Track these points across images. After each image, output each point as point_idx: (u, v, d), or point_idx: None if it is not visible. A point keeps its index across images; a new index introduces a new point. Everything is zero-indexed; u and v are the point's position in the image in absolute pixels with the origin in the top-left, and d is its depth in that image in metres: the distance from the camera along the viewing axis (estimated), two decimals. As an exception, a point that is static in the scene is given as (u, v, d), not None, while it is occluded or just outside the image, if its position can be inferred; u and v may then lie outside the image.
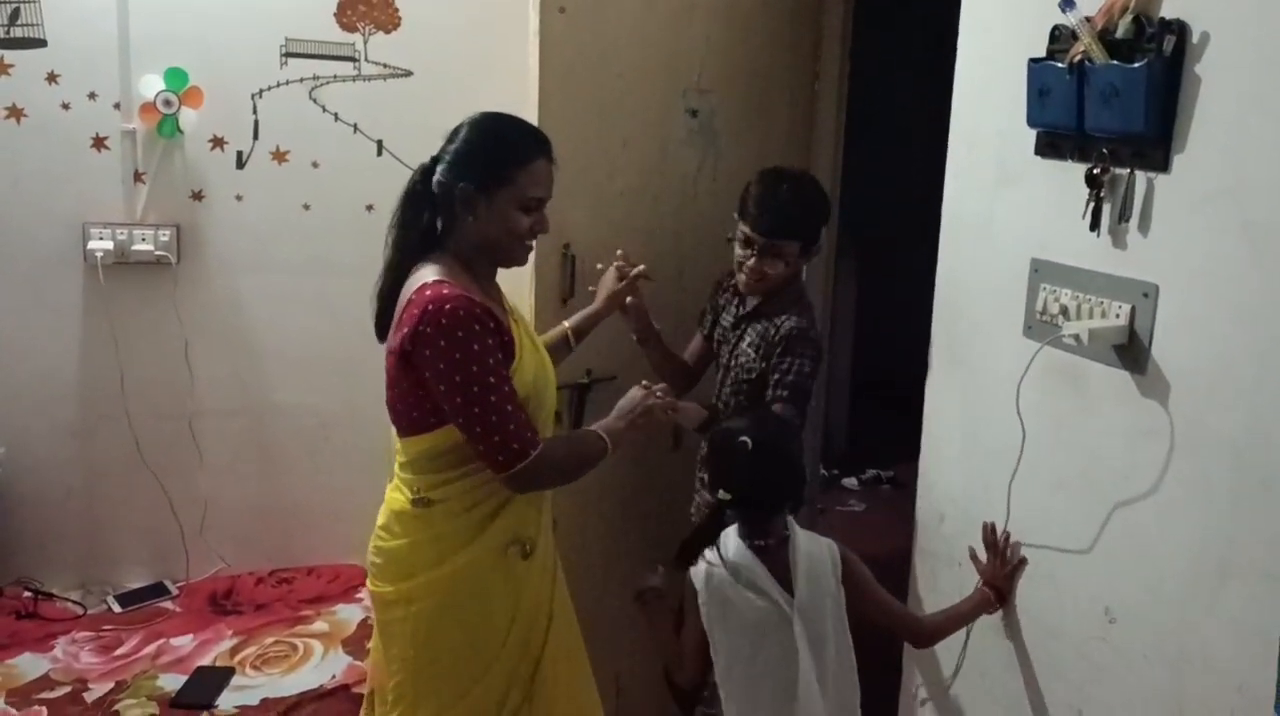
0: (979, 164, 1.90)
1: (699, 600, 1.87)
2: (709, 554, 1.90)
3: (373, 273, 2.83)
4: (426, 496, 1.88)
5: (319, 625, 2.62)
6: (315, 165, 2.79)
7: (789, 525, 1.92)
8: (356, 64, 2.76)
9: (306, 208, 2.80)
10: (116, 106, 2.60)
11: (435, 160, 1.92)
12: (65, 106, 2.57)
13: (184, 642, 2.50)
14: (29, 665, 2.37)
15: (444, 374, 1.75)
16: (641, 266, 2.33)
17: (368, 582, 2.01)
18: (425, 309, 1.75)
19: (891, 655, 2.22)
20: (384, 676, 1.97)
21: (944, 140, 2.01)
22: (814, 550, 1.91)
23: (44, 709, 2.21)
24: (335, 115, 2.77)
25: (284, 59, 2.70)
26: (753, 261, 2.30)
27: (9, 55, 2.51)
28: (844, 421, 5.41)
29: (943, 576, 2.07)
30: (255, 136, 2.72)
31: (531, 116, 2.46)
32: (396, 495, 1.94)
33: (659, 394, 2.02)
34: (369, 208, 2.82)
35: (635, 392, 2.03)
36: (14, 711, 2.19)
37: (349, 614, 2.67)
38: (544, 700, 1.98)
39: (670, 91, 2.67)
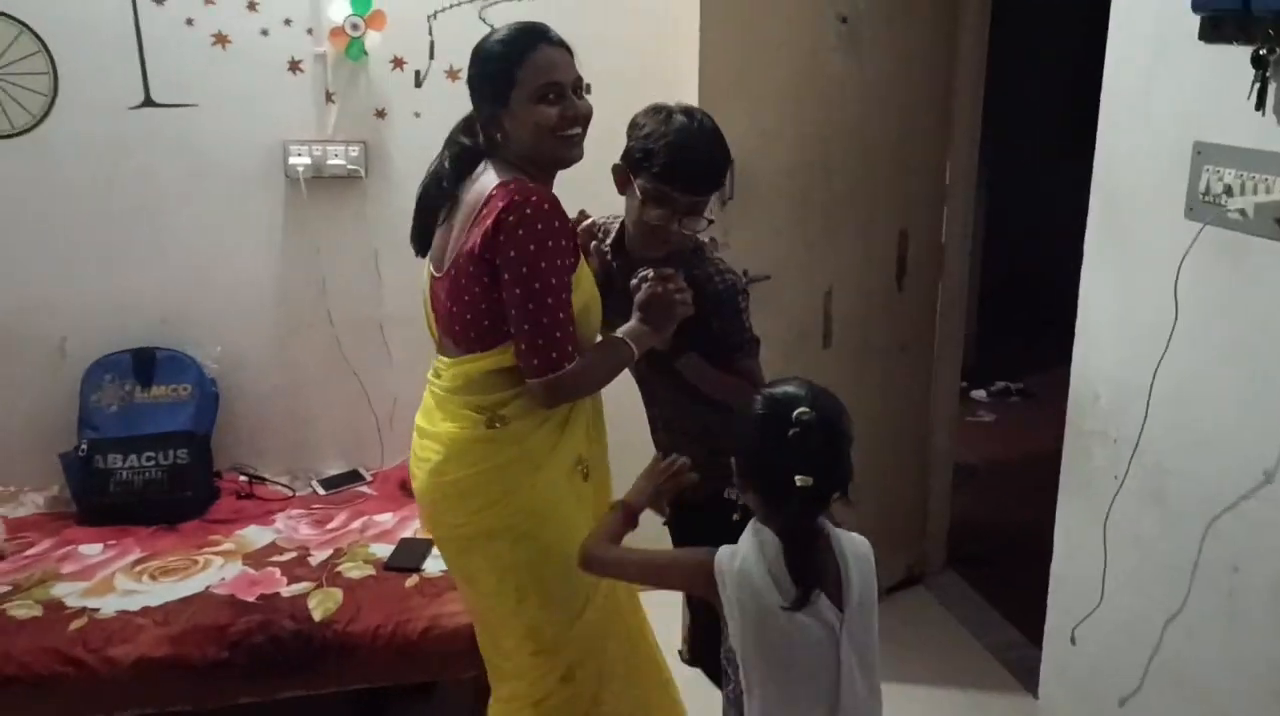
0: (1139, 50, 1.97)
1: (729, 601, 1.55)
2: (744, 550, 1.55)
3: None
4: (502, 414, 1.83)
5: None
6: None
7: (823, 523, 1.59)
8: (521, -18, 2.93)
9: (478, 123, 2.99)
10: (309, 32, 2.82)
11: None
12: (264, 33, 2.80)
13: (385, 519, 2.77)
14: (256, 535, 2.68)
15: (515, 263, 1.72)
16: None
17: (429, 530, 2.05)
18: (511, 201, 1.72)
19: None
20: (494, 623, 2.01)
21: (1082, 41, 2.05)
22: (859, 551, 1.62)
23: (277, 569, 2.51)
24: (502, 34, 2.94)
25: (455, -20, 2.89)
26: (676, 223, 2.00)
27: (215, -16, 2.75)
28: (972, 332, 5.48)
29: (1097, 453, 2.18)
30: (431, 56, 2.92)
31: (692, 20, 2.60)
32: (454, 426, 1.87)
33: (676, 285, 1.92)
34: (534, 121, 3.00)
35: (656, 289, 1.91)
36: (252, 570, 2.50)
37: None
38: (622, 623, 2.05)
39: (820, -1, 2.77)
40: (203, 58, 2.78)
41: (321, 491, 2.95)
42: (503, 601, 1.95)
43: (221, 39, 2.78)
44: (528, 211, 1.72)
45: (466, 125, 1.94)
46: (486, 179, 1.82)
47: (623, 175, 2.04)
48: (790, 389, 1.56)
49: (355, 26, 2.79)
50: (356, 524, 2.76)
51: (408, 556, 2.55)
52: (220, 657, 2.23)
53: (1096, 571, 2.14)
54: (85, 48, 2.72)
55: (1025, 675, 2.85)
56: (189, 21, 2.75)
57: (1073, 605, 2.25)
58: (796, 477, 1.46)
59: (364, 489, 2.98)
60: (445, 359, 1.91)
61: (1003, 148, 3.24)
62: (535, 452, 1.87)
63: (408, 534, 2.69)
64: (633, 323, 1.92)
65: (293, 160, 2.85)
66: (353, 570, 2.50)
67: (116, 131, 2.76)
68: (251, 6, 2.77)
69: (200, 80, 2.79)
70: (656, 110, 2.05)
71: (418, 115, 2.94)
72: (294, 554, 2.58)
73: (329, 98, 2.87)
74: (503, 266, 1.74)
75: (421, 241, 1.98)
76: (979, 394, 5.21)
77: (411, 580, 2.46)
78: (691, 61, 2.62)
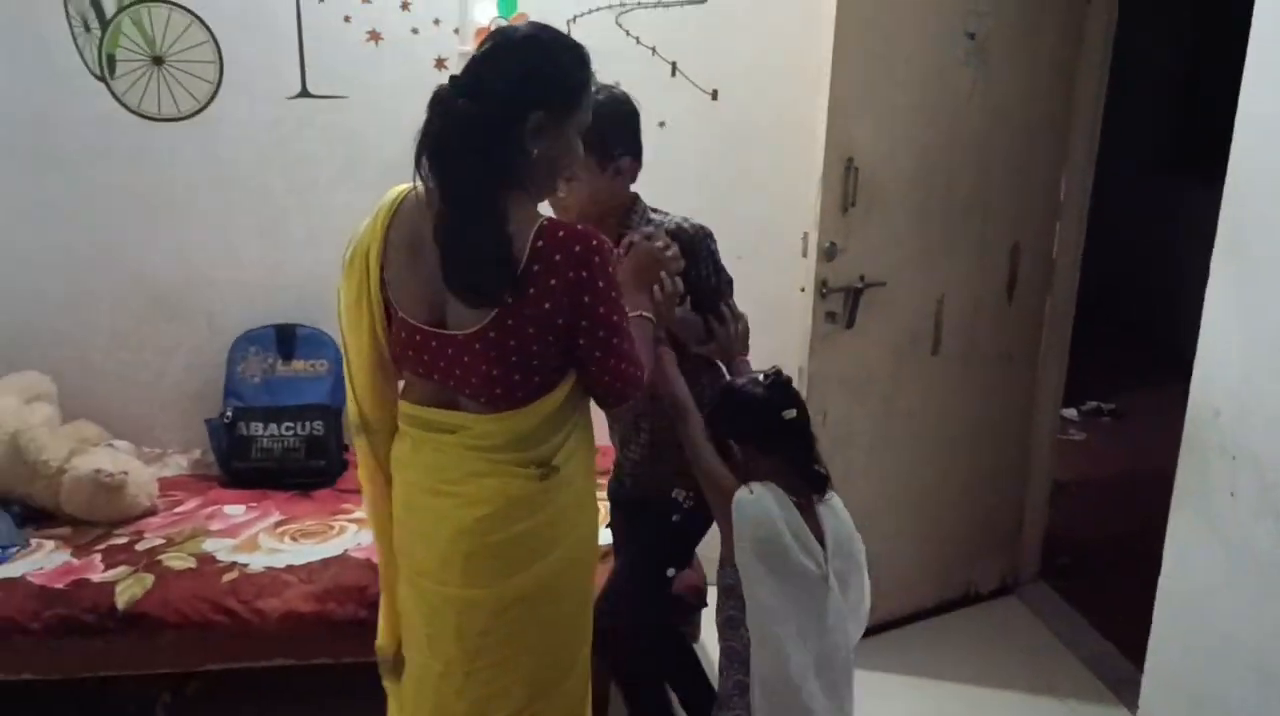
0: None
1: (746, 539, 1.82)
2: (760, 491, 1.84)
3: (665, 183, 3.16)
4: (555, 465, 1.73)
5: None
6: (616, 84, 3.09)
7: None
8: (658, -9, 3.05)
9: (608, 123, 3.12)
10: (456, 31, 2.97)
11: (470, 86, 1.64)
12: (414, 31, 2.96)
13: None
14: (385, 505, 2.83)
15: (601, 316, 1.64)
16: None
17: (452, 593, 1.78)
18: (575, 251, 1.60)
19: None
20: (491, 681, 1.81)
21: (1212, 73, 2.10)
22: (835, 507, 1.94)
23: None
24: (637, 39, 3.07)
25: (595, -13, 3.02)
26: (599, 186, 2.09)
27: (372, -16, 2.92)
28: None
29: (1214, 467, 2.22)
30: (568, 58, 3.05)
31: (825, 36, 2.70)
32: (500, 481, 1.72)
33: (664, 243, 1.95)
34: (661, 124, 3.12)
35: (645, 249, 1.94)
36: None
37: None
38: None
39: (950, 14, 2.84)
40: (356, 53, 2.95)
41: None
42: (516, 657, 1.81)
43: (375, 36, 2.94)
44: (598, 258, 1.61)
45: (472, 101, 1.61)
46: (523, 214, 1.62)
47: None
48: (763, 373, 1.97)
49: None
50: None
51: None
52: (359, 616, 2.38)
53: (1207, 587, 2.19)
54: (250, 39, 2.91)
55: (1120, 687, 2.90)
56: (346, 19, 2.92)
57: (1180, 619, 2.30)
58: (784, 412, 1.88)
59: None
60: (469, 416, 1.70)
61: (1101, 164, 3.29)
62: (582, 489, 1.83)
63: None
64: (632, 293, 1.85)
65: (439, 153, 2.99)
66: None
67: (274, 118, 2.94)
68: (405, 6, 2.93)
69: (353, 74, 2.97)
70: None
71: (552, 113, 3.08)
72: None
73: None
74: (593, 313, 1.64)
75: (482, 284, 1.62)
76: (1069, 412, 5.21)
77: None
78: (823, 73, 2.71)
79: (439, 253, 1.62)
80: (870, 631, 3.11)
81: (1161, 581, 2.39)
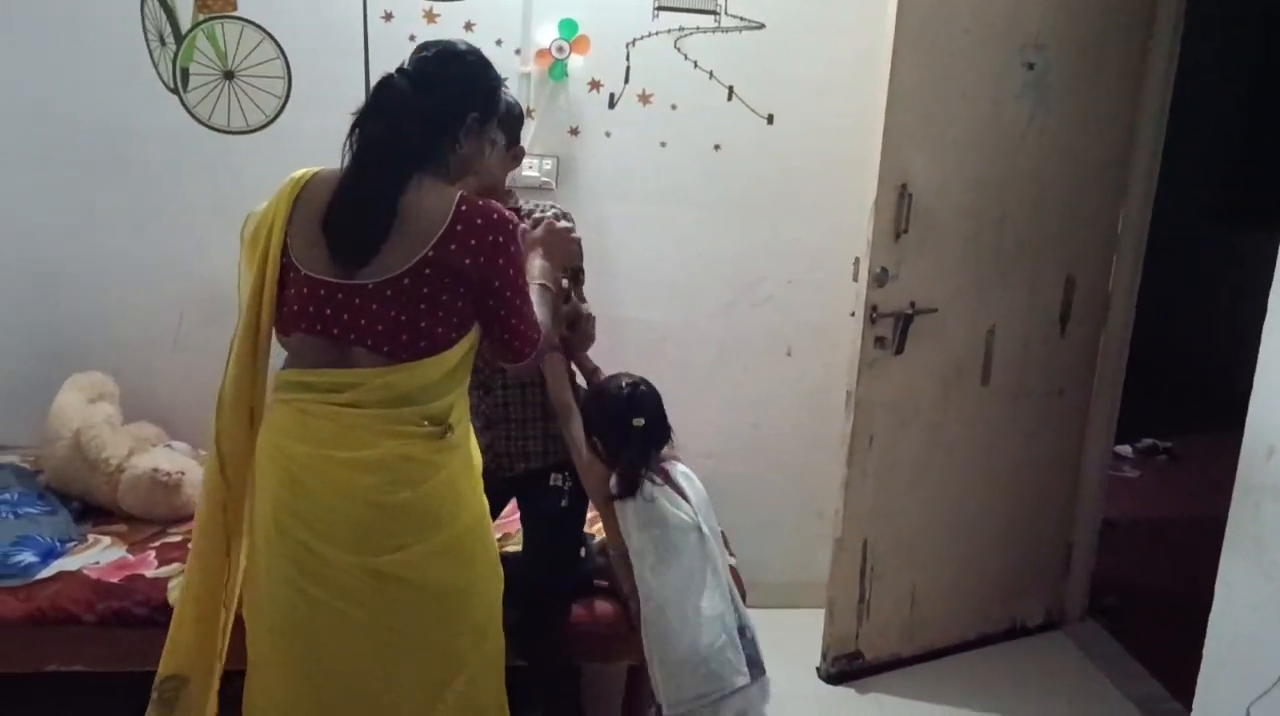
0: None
1: (627, 518, 2.28)
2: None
3: (716, 207, 3.20)
4: (450, 422, 1.86)
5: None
6: (674, 107, 3.14)
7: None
8: (717, 17, 3.08)
9: (663, 145, 3.16)
10: (517, 52, 3.03)
11: (421, 81, 1.85)
12: (476, 51, 3.02)
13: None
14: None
15: (505, 274, 1.83)
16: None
17: (358, 561, 1.82)
18: (493, 219, 1.81)
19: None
20: (409, 652, 1.88)
21: (1271, 119, 2.08)
22: (688, 471, 2.42)
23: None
24: (695, 63, 3.10)
25: (655, 12, 3.06)
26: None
27: (437, 6, 2.99)
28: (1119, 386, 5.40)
29: (1267, 510, 2.18)
30: (626, 80, 3.10)
31: (882, 68, 2.71)
32: (399, 443, 1.81)
33: (568, 223, 2.31)
34: (716, 147, 3.16)
35: (552, 226, 2.15)
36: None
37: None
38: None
39: (1009, 47, 2.84)
40: (420, 71, 3.01)
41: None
42: (434, 626, 1.90)
43: (439, 55, 3.01)
44: (509, 228, 1.84)
45: (416, 88, 1.84)
46: (433, 187, 1.83)
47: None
48: (626, 378, 2.39)
49: (560, 49, 2.98)
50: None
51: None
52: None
53: (1257, 629, 2.15)
54: (318, 57, 2.99)
55: (1168, 728, 2.85)
56: (411, 37, 2.98)
57: (1230, 660, 2.25)
58: (634, 420, 2.31)
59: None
60: (364, 371, 1.80)
61: (1157, 205, 3.26)
62: (471, 454, 1.98)
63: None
64: (538, 262, 2.06)
65: (491, 169, 3.05)
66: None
67: (339, 131, 2.99)
68: (468, 27, 2.99)
69: (415, 91, 3.03)
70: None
71: (608, 134, 3.12)
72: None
73: (529, 113, 3.07)
74: (502, 278, 1.83)
75: (363, 243, 1.81)
76: (1124, 449, 5.14)
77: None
78: (879, 100, 2.73)
79: (329, 199, 1.83)
80: (913, 660, 3.13)
81: (1211, 622, 2.35)
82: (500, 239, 1.82)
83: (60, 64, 2.94)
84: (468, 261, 1.80)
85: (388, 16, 2.98)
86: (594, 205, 3.16)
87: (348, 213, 1.81)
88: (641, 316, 3.25)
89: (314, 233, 1.84)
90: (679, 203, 3.19)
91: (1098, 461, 3.42)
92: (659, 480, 2.34)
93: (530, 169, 3.07)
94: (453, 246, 1.79)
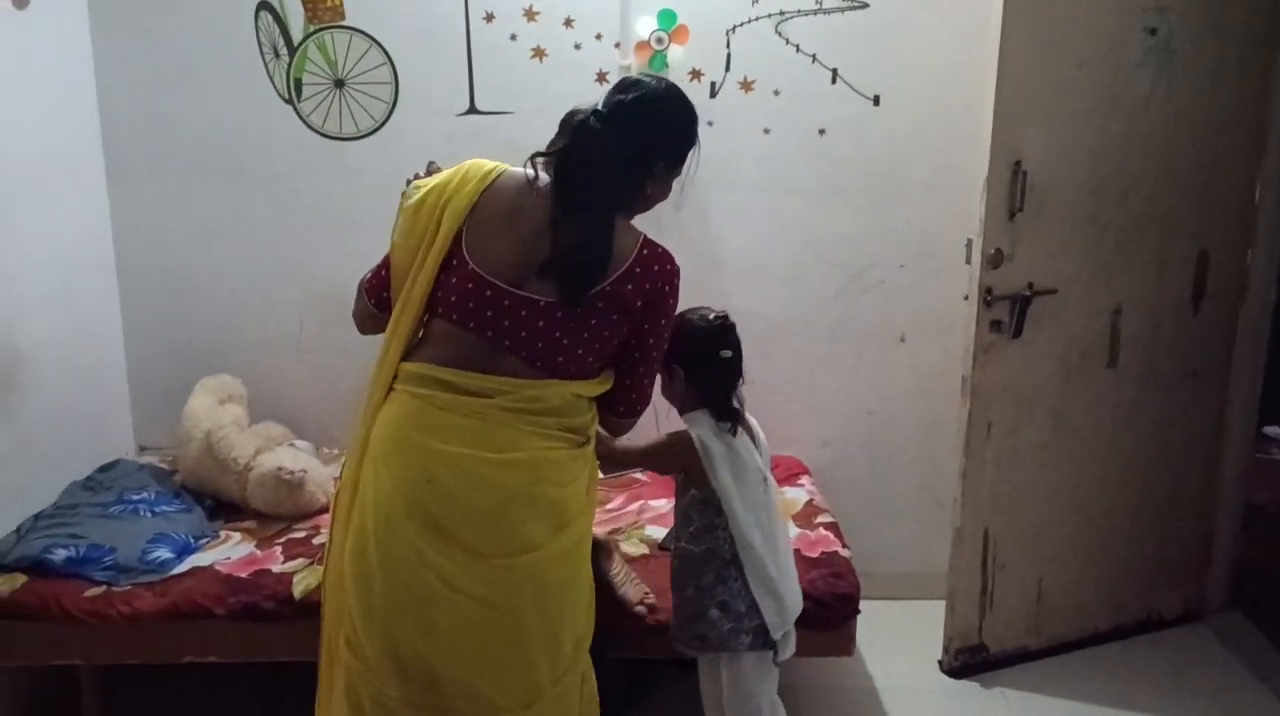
0: None
1: (706, 454, 2.14)
2: (704, 418, 2.18)
3: (822, 192, 3.14)
4: (589, 434, 1.98)
5: (770, 501, 2.96)
6: (776, 93, 3.09)
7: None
8: (819, -1, 3.02)
9: (766, 132, 3.11)
10: (617, 45, 3.03)
11: (615, 123, 1.89)
12: (577, 47, 3.04)
13: (660, 504, 2.93)
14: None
15: (664, 325, 1.95)
16: None
17: (500, 553, 1.86)
18: (666, 269, 1.91)
19: None
20: (545, 637, 1.92)
21: None
22: (755, 423, 2.28)
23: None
24: (796, 47, 3.05)
25: (755, -3, 3.02)
26: None
27: (538, 4, 3.01)
28: (1264, 363, 5.11)
29: None
30: (727, 68, 3.07)
31: (991, 41, 2.61)
32: (546, 445, 1.88)
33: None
34: (821, 132, 3.10)
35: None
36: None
37: (795, 494, 3.00)
38: None
39: (1127, 12, 2.70)
40: (522, 69, 3.05)
41: (601, 475, 3.14)
42: (549, 623, 1.92)
43: (539, 53, 3.04)
44: (677, 283, 1.94)
45: (613, 130, 1.89)
46: (624, 231, 1.90)
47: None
48: (709, 311, 2.23)
49: (660, 40, 2.97)
50: (634, 506, 2.94)
51: (683, 540, 2.70)
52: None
53: None
54: (423, 60, 3.05)
55: (1317, 725, 2.69)
56: (513, 37, 3.02)
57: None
58: (722, 351, 2.17)
59: (639, 476, 3.15)
60: (513, 381, 1.85)
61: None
62: (596, 471, 2.06)
63: (681, 519, 2.83)
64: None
65: (595, 164, 3.06)
66: (628, 546, 2.68)
67: (445, 134, 3.07)
68: (568, 23, 3.01)
69: (518, 90, 3.06)
70: None
71: (710, 124, 3.08)
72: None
73: (630, 106, 3.07)
74: (653, 325, 1.93)
75: (583, 278, 1.87)
76: (1273, 429, 4.85)
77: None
78: (989, 74, 2.63)
79: (551, 247, 1.85)
80: (1041, 653, 3.03)
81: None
82: (667, 290, 1.92)
83: (185, 80, 3.07)
84: (639, 303, 1.88)
85: (489, 17, 3.01)
86: (698, 196, 3.14)
87: (575, 257, 1.84)
88: (750, 306, 3.20)
89: (497, 234, 1.88)
90: (784, 190, 3.14)
91: (1240, 445, 3.23)
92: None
93: (633, 162, 3.06)
94: (629, 286, 1.87)
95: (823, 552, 2.66)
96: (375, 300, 2.02)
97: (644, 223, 2.02)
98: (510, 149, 3.06)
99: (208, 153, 3.13)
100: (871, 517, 3.28)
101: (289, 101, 3.09)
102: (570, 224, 1.84)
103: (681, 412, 2.22)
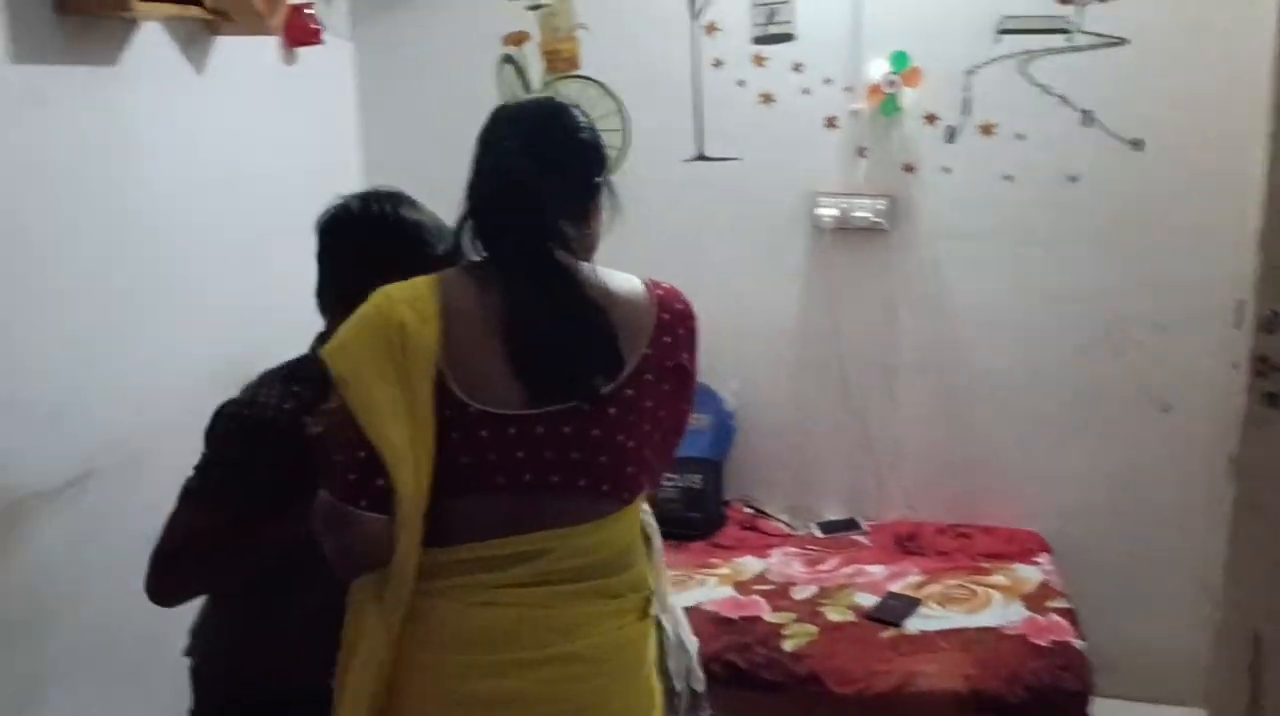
0: None
1: None
2: None
3: (1069, 243, 2.90)
4: (650, 588, 1.54)
5: (997, 577, 2.72)
6: (1020, 137, 2.88)
7: None
8: (1069, 35, 2.79)
9: (1008, 178, 2.90)
10: (847, 89, 2.94)
11: (548, 163, 1.46)
12: (805, 92, 2.96)
13: (876, 571, 2.77)
14: (750, 565, 2.82)
15: (694, 382, 1.53)
16: None
17: (622, 627, 1.46)
18: (686, 308, 1.49)
19: None
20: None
21: None
22: None
23: (761, 598, 2.62)
24: (1043, 88, 2.83)
25: (998, 36, 2.83)
26: None
27: (765, 49, 2.97)
28: None
29: None
30: (965, 111, 2.89)
31: (1264, 81, 2.33)
32: (615, 624, 1.43)
33: None
34: (1071, 178, 2.86)
35: None
36: (739, 596, 2.64)
37: (1027, 573, 2.75)
38: None
39: None
40: (749, 115, 3.01)
41: (819, 533, 3.04)
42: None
43: (767, 98, 2.99)
44: (693, 322, 1.50)
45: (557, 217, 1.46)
46: (616, 272, 1.48)
47: None
48: None
49: (891, 83, 2.85)
50: (847, 569, 2.80)
51: (891, 611, 2.54)
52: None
53: None
54: (652, 106, 3.07)
55: None
56: (740, 83, 2.99)
57: None
58: None
59: (859, 538, 3.01)
60: (558, 532, 1.39)
61: None
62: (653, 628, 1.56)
63: (896, 588, 2.66)
64: None
65: (819, 211, 2.97)
66: (832, 612, 2.54)
67: (673, 180, 3.08)
68: (796, 68, 2.95)
69: (746, 136, 3.03)
70: None
71: (947, 170, 2.93)
72: (778, 586, 2.70)
73: (860, 152, 2.96)
74: (686, 380, 1.50)
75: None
76: None
77: (888, 633, 2.46)
78: (1259, 119, 2.34)
79: (534, 341, 1.39)
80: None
81: None
82: (693, 334, 1.51)
83: (433, 134, 3.23)
84: (685, 356, 1.48)
85: (717, 64, 3.00)
86: (929, 245, 2.98)
87: (557, 335, 1.40)
88: (984, 363, 3.01)
89: (481, 359, 1.39)
90: (1024, 240, 2.92)
91: None
92: None
93: (862, 210, 2.95)
94: (666, 339, 1.45)
95: (1053, 641, 2.44)
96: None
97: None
98: (736, 194, 3.08)
99: (458, 200, 3.28)
100: (1119, 603, 2.94)
101: (528, 150, 3.19)
102: (543, 301, 1.42)
103: None
